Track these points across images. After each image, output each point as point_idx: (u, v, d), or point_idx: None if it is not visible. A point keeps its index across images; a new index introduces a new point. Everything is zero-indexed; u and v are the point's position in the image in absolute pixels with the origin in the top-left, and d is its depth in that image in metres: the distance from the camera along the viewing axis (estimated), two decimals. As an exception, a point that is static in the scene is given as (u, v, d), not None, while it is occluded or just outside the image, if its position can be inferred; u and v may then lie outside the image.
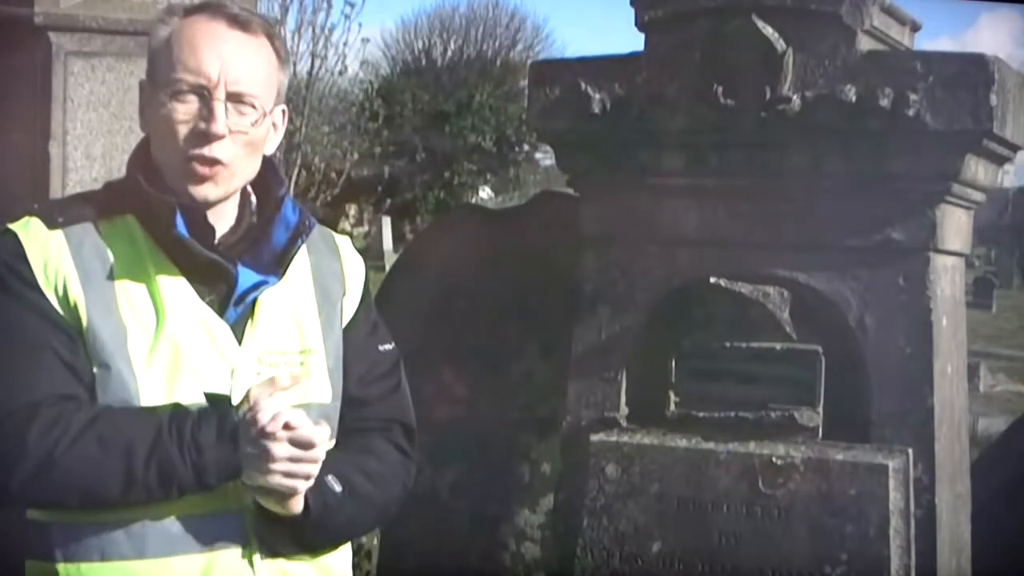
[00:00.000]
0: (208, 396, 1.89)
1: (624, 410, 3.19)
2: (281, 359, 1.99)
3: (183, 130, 1.91)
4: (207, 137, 1.90)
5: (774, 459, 2.95)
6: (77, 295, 1.88)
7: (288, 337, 2.01)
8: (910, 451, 2.93)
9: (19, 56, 4.13)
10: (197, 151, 1.91)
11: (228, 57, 1.92)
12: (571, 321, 3.27)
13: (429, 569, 3.73)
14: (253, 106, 1.94)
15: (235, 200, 2.01)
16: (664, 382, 3.10)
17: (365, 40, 15.55)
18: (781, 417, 2.98)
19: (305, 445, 1.85)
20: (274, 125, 2.03)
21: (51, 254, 1.90)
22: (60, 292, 1.88)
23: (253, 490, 1.89)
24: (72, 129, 4.09)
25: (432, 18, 33.38)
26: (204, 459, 1.84)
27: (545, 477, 3.63)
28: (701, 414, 3.05)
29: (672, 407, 3.09)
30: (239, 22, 1.95)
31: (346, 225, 25.99)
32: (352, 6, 14.12)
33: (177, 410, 1.87)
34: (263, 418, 1.83)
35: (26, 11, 4.05)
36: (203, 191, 1.93)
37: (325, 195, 14.87)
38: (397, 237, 25.18)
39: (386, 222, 25.92)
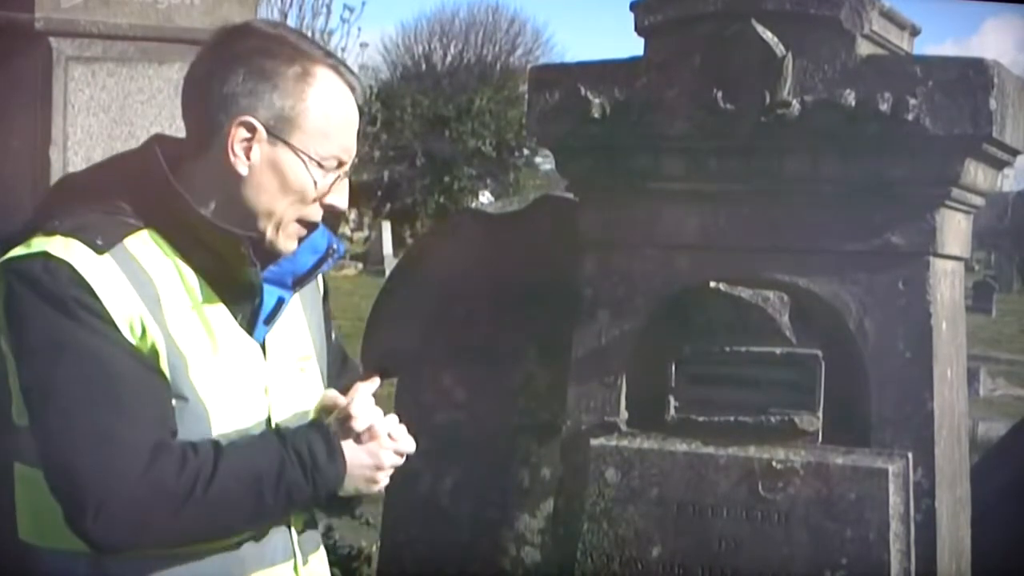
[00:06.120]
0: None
1: (624, 414, 3.19)
2: (296, 367, 2.02)
3: (311, 195, 1.91)
4: (329, 208, 1.94)
5: (774, 463, 2.95)
6: (155, 334, 1.82)
7: (293, 346, 2.02)
8: (910, 455, 2.93)
9: (19, 61, 4.13)
10: (310, 217, 1.93)
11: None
12: (571, 325, 3.27)
13: (429, 573, 3.73)
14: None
15: None
16: (664, 386, 3.10)
17: (364, 45, 15.61)
18: (781, 421, 2.98)
19: (403, 454, 1.95)
20: None
21: (115, 288, 1.80)
22: (137, 331, 1.81)
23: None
24: (72, 134, 4.07)
25: (432, 23, 33.44)
26: (323, 476, 1.87)
27: (545, 481, 3.63)
28: (701, 418, 3.05)
29: (672, 411, 3.09)
30: (355, 92, 1.95)
31: (346, 230, 25.99)
32: (351, 11, 14.14)
33: (282, 432, 1.89)
34: (381, 430, 1.91)
35: (26, 16, 4.05)
36: (293, 246, 1.96)
37: (325, 200, 14.83)
38: (397, 242, 25.20)
39: (386, 227, 25.94)
